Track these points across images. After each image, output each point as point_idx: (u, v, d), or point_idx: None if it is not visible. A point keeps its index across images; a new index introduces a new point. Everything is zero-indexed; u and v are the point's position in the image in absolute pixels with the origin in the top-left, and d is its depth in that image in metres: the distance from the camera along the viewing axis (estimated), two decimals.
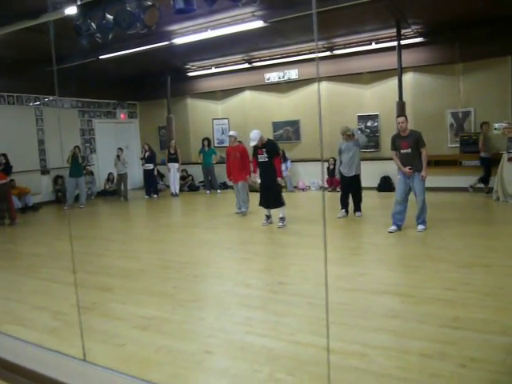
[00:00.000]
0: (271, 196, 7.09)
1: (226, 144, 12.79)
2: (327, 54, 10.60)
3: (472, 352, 2.78)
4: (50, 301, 4.31)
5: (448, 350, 2.82)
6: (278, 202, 7.11)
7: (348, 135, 7.50)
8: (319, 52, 10.76)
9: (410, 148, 6.22)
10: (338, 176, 7.87)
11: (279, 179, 7.05)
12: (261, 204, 7.32)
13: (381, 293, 3.99)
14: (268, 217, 7.32)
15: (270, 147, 7.11)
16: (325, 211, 2.51)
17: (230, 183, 12.18)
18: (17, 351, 2.99)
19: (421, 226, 6.29)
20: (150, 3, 5.86)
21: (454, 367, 2.62)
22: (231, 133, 8.72)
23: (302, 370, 2.70)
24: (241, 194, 8.40)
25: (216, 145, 13.13)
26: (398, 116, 6.41)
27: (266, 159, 7.06)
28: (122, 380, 2.42)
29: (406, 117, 6.43)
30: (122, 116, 14.29)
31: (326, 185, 11.43)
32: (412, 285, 4.17)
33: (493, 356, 2.72)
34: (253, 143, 7.05)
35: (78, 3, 6.13)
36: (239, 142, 8.72)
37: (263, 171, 7.14)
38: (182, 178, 12.95)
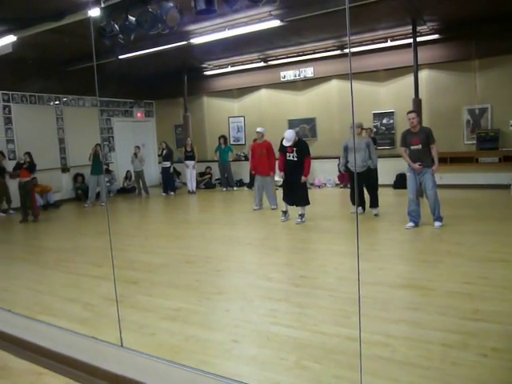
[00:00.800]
0: (299, 194, 7.15)
1: (242, 142, 12.98)
2: (343, 51, 10.66)
3: (493, 342, 2.87)
4: (79, 293, 4.48)
5: (469, 341, 2.91)
6: (306, 200, 7.19)
7: (360, 130, 7.53)
8: (334, 50, 10.82)
9: (421, 144, 6.24)
10: (342, 169, 7.84)
11: (303, 178, 7.09)
12: (284, 199, 7.39)
13: (400, 286, 4.08)
14: (285, 212, 7.42)
15: (301, 147, 7.13)
16: (357, 219, 2.60)
17: (246, 180, 12.38)
18: (53, 338, 3.14)
19: (437, 223, 6.32)
20: (171, 4, 6.00)
21: (475, 357, 2.71)
22: (259, 129, 8.65)
23: (328, 358, 2.81)
24: (268, 189, 8.52)
25: (232, 142, 13.25)
26: (408, 112, 6.41)
27: (296, 158, 7.08)
28: (160, 365, 2.56)
29: (417, 113, 6.43)
30: (138, 115, 14.50)
31: (337, 181, 11.54)
32: (430, 279, 4.25)
33: None
34: (288, 143, 7.03)
35: (102, 5, 6.31)
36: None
37: (291, 169, 7.15)
38: (202, 175, 13.13)
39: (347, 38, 10.03)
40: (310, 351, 2.92)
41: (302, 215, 7.18)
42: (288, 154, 7.17)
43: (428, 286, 4.03)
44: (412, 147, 6.32)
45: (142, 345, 3.10)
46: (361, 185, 7.56)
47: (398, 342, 2.96)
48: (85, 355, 2.86)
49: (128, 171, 12.99)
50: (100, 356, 2.82)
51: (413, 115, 6.28)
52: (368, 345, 2.90)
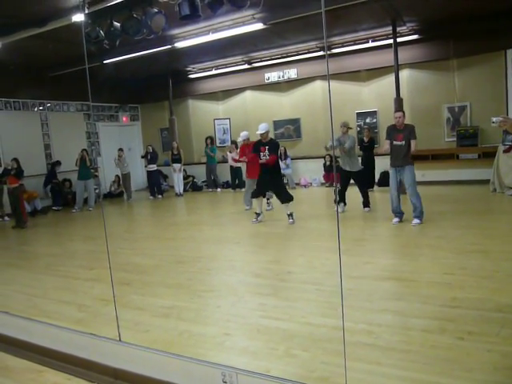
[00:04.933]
0: (279, 191, 7.30)
1: (228, 143, 13.08)
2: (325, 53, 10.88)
3: (469, 327, 3.06)
4: (72, 295, 4.57)
5: (447, 326, 3.09)
6: (288, 195, 7.26)
7: (345, 129, 7.77)
8: (317, 51, 11.02)
9: (404, 141, 6.46)
10: (329, 145, 7.92)
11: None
12: (254, 195, 7.50)
13: (384, 279, 4.26)
14: (258, 214, 7.50)
15: (273, 146, 7.33)
16: (338, 214, 2.76)
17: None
18: (51, 337, 3.25)
19: (416, 221, 6.38)
20: (156, 10, 6.11)
21: (452, 340, 2.89)
22: (242, 136, 8.76)
23: (316, 346, 2.97)
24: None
25: (218, 144, 13.38)
26: (396, 111, 6.66)
27: (268, 157, 7.21)
28: (156, 356, 2.69)
29: (403, 112, 6.67)
30: (124, 119, 14.54)
31: (323, 180, 11.77)
32: (413, 271, 4.45)
33: (488, 329, 2.99)
34: (261, 131, 7.28)
35: (87, 12, 6.40)
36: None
37: (265, 168, 7.26)
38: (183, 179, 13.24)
39: (329, 40, 10.26)
40: (298, 341, 3.08)
41: (291, 215, 7.25)
42: (261, 153, 7.29)
43: (410, 278, 4.22)
44: (395, 142, 6.54)
45: (137, 341, 3.21)
46: (346, 183, 7.78)
47: (381, 329, 3.14)
48: (83, 351, 2.98)
49: (117, 175, 13.00)
50: (98, 351, 2.93)
51: (399, 114, 6.52)
52: (353, 333, 3.07)
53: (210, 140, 12.55)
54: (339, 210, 7.81)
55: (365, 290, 3.99)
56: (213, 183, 12.60)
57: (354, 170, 7.71)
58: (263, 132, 7.31)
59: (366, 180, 8.03)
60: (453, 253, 4.90)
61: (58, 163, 11.66)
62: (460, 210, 7.34)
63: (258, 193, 7.49)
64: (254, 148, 7.54)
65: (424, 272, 4.35)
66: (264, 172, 7.35)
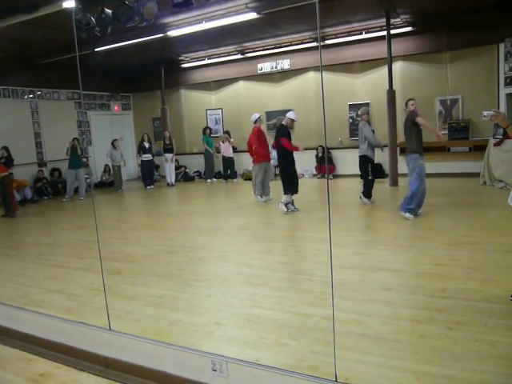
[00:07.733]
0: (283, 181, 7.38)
1: (220, 133, 13.02)
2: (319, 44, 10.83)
3: (458, 317, 3.09)
4: (63, 284, 4.54)
5: (436, 316, 3.13)
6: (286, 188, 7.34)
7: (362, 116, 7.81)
8: (310, 42, 10.97)
9: None
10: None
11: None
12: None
13: (375, 269, 4.29)
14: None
15: (278, 130, 7.45)
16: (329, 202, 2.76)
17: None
18: (41, 326, 3.23)
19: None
20: None
21: (441, 329, 2.93)
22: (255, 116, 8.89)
23: (306, 336, 2.99)
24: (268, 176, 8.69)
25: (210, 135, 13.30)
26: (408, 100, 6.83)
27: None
28: (147, 345, 2.68)
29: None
30: (115, 108, 14.41)
31: (315, 172, 11.79)
32: (404, 262, 4.49)
33: (476, 319, 3.03)
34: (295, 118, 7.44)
35: None
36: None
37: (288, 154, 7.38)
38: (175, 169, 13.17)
39: (322, 31, 10.22)
40: (288, 330, 3.09)
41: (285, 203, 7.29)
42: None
43: (401, 269, 4.25)
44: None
45: (127, 330, 3.20)
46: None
47: (371, 319, 3.16)
48: (73, 340, 2.97)
49: (106, 165, 12.90)
50: (88, 340, 2.93)
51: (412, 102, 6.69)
52: (343, 323, 3.08)
53: (209, 130, 12.51)
54: (366, 202, 7.64)
55: (355, 280, 4.01)
56: (210, 173, 12.57)
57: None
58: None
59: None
60: (443, 244, 4.94)
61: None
62: (451, 202, 7.39)
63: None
64: (287, 135, 7.42)
65: (414, 263, 4.39)
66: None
